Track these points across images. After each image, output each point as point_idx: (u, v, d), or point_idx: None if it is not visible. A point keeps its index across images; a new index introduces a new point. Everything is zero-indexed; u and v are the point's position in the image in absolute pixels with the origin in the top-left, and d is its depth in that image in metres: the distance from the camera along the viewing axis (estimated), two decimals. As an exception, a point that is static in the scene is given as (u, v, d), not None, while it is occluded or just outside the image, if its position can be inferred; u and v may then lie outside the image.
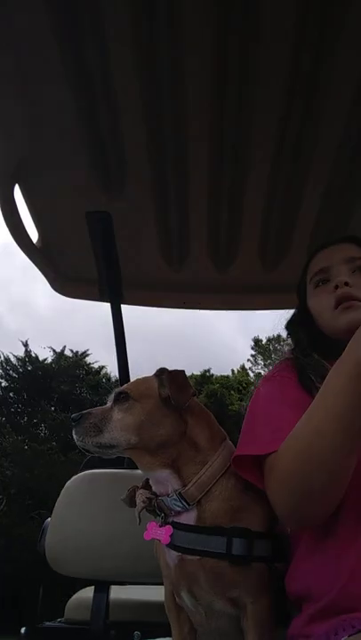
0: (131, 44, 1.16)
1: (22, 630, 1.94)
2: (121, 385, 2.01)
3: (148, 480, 1.14)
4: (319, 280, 1.19)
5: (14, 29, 1.12)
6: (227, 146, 1.42)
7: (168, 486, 1.06)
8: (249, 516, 1.02)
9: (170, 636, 1.16)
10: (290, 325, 1.28)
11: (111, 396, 1.13)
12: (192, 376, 15.08)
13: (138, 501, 1.08)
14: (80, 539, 1.62)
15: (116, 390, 1.13)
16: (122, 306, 2.04)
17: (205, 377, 15.84)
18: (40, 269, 1.87)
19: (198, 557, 1.01)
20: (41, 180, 1.54)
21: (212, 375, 15.99)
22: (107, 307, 2.03)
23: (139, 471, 1.70)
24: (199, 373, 15.83)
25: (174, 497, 1.04)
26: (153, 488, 1.10)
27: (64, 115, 1.33)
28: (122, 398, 1.09)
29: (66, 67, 1.21)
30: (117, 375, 2.15)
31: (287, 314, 1.33)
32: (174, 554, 1.04)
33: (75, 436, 1.07)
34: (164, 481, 1.06)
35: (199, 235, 1.75)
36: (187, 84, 1.25)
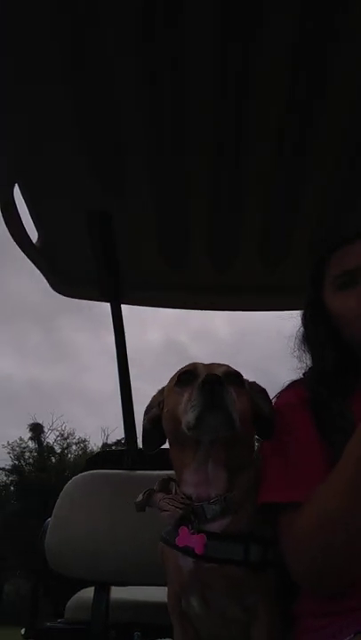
0: (131, 44, 1.16)
1: (22, 631, 1.94)
2: (121, 388, 2.01)
3: (164, 483, 1.09)
4: (344, 282, 1.12)
5: (14, 30, 1.12)
6: (227, 145, 1.42)
7: (212, 490, 0.99)
8: (265, 522, 1.00)
9: (170, 637, 1.15)
10: (312, 335, 1.18)
11: (210, 369, 1.01)
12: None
13: (169, 507, 1.00)
14: (80, 539, 1.61)
15: (228, 370, 1.03)
16: None
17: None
18: (40, 269, 1.86)
19: (217, 565, 0.97)
20: (41, 180, 1.54)
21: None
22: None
23: (139, 472, 1.70)
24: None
25: (216, 503, 0.98)
26: (188, 491, 1.01)
27: (64, 114, 1.33)
28: (235, 381, 1.00)
29: (65, 66, 1.21)
30: None
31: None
32: (190, 560, 0.99)
33: (214, 402, 0.90)
34: (214, 483, 0.99)
35: (199, 235, 1.75)
36: (187, 83, 1.25)
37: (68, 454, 21.99)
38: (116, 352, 2.00)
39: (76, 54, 1.19)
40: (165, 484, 1.09)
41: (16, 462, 20.88)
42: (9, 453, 20.82)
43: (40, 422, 21.59)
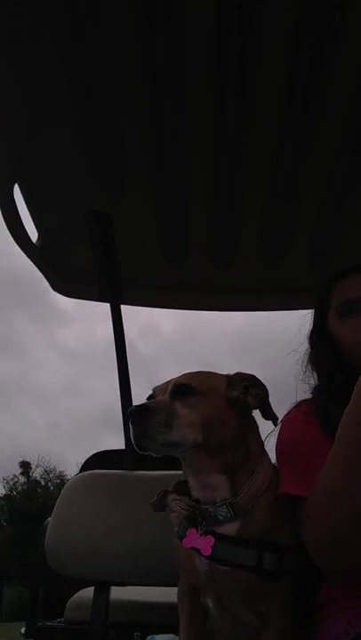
0: (130, 44, 1.16)
1: (22, 630, 1.94)
2: (121, 389, 2.01)
3: (180, 484, 1.09)
4: (346, 310, 1.20)
5: (14, 30, 1.12)
6: (227, 146, 1.42)
7: (216, 493, 1.00)
8: (282, 529, 1.00)
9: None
10: (319, 357, 1.25)
11: (163, 389, 1.03)
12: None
13: (177, 508, 1.02)
14: (80, 539, 1.61)
15: (175, 382, 1.03)
16: None
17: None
18: (40, 269, 1.86)
19: (230, 569, 0.98)
20: (41, 180, 1.54)
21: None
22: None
23: (138, 472, 1.70)
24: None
25: (222, 506, 0.99)
26: (195, 494, 1.03)
27: (64, 115, 1.33)
28: (185, 392, 1.00)
29: (66, 67, 1.21)
30: None
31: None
32: (205, 560, 1.00)
33: (138, 432, 0.94)
34: (216, 487, 1.01)
35: (199, 235, 1.75)
36: (187, 84, 1.25)
37: (50, 487, 28.40)
38: (115, 352, 2.00)
39: (76, 55, 1.19)
40: (180, 486, 1.10)
41: (8, 493, 27.24)
42: (4, 487, 27.27)
43: (28, 460, 27.92)
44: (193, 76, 1.23)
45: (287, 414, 1.20)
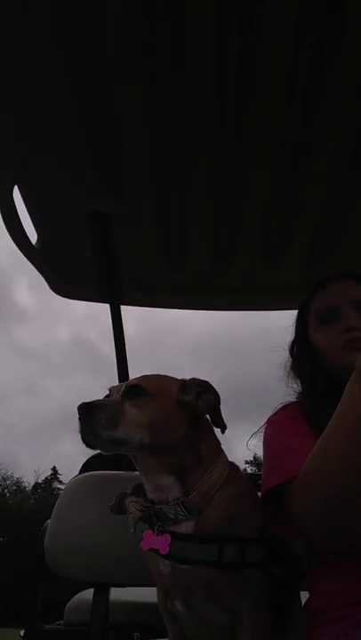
0: (130, 44, 1.16)
1: (21, 633, 1.93)
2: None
3: (138, 487, 1.11)
4: (326, 318, 1.23)
5: (14, 32, 1.12)
6: (227, 146, 1.42)
7: (169, 494, 1.02)
8: (242, 523, 1.02)
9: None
10: (300, 365, 1.27)
11: (118, 389, 1.06)
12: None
13: (133, 509, 1.04)
14: (79, 540, 1.61)
15: (128, 383, 1.06)
16: None
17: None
18: (39, 270, 1.86)
19: (191, 566, 0.99)
20: (40, 181, 1.54)
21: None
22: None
23: (138, 473, 1.69)
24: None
25: (175, 505, 1.00)
26: (150, 495, 1.06)
27: (64, 115, 1.33)
28: (136, 393, 1.03)
29: (65, 68, 1.21)
30: None
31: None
32: (167, 562, 1.01)
33: (84, 428, 0.98)
34: (166, 488, 1.03)
35: (199, 235, 1.75)
36: (186, 84, 1.25)
37: (7, 494, 30.30)
38: (115, 352, 2.00)
39: (75, 55, 1.19)
40: (138, 488, 1.11)
41: None
42: None
43: (-16, 467, 29.86)
44: (193, 76, 1.23)
45: (273, 415, 1.22)
